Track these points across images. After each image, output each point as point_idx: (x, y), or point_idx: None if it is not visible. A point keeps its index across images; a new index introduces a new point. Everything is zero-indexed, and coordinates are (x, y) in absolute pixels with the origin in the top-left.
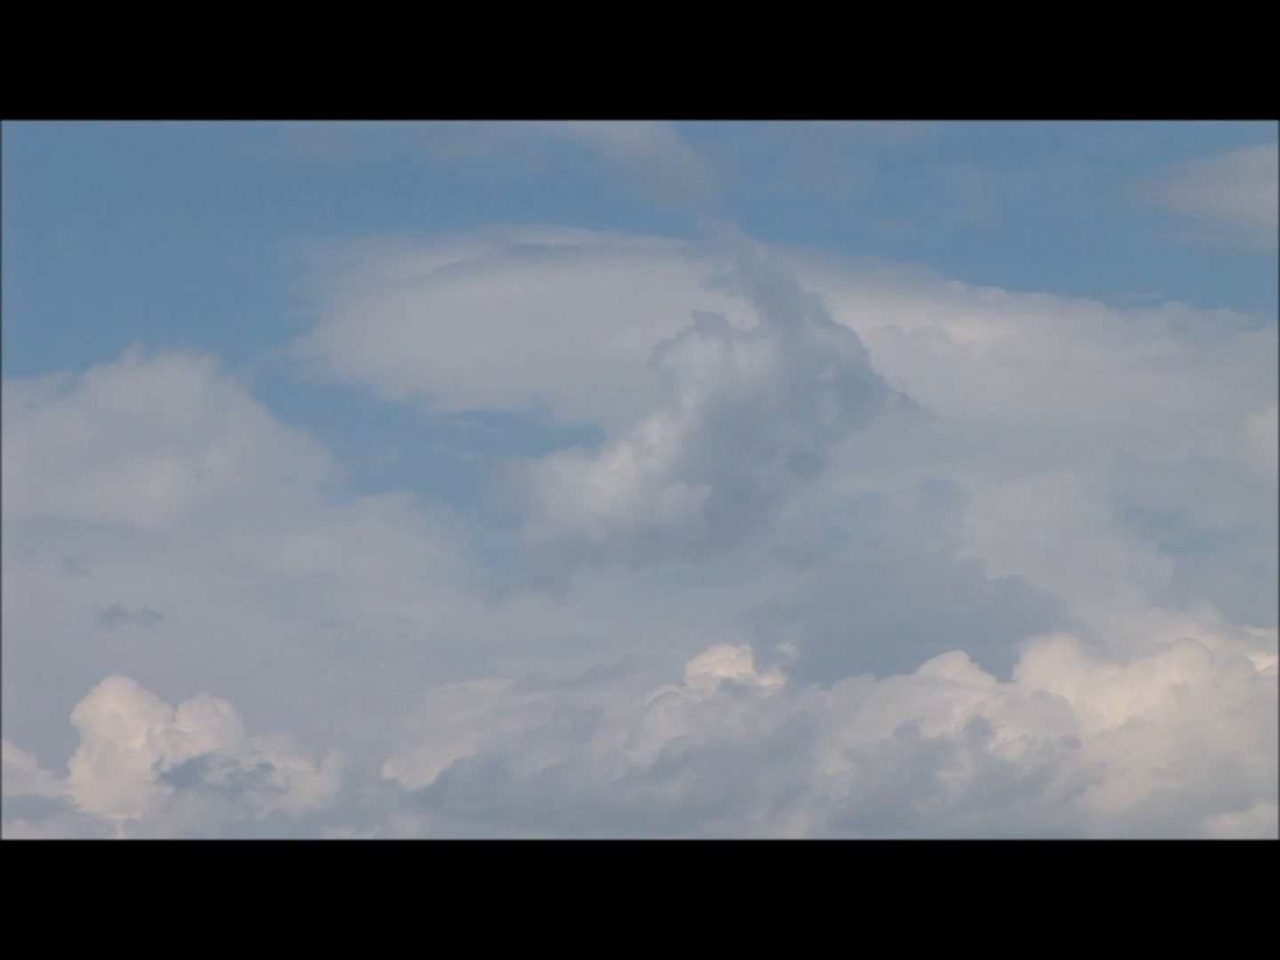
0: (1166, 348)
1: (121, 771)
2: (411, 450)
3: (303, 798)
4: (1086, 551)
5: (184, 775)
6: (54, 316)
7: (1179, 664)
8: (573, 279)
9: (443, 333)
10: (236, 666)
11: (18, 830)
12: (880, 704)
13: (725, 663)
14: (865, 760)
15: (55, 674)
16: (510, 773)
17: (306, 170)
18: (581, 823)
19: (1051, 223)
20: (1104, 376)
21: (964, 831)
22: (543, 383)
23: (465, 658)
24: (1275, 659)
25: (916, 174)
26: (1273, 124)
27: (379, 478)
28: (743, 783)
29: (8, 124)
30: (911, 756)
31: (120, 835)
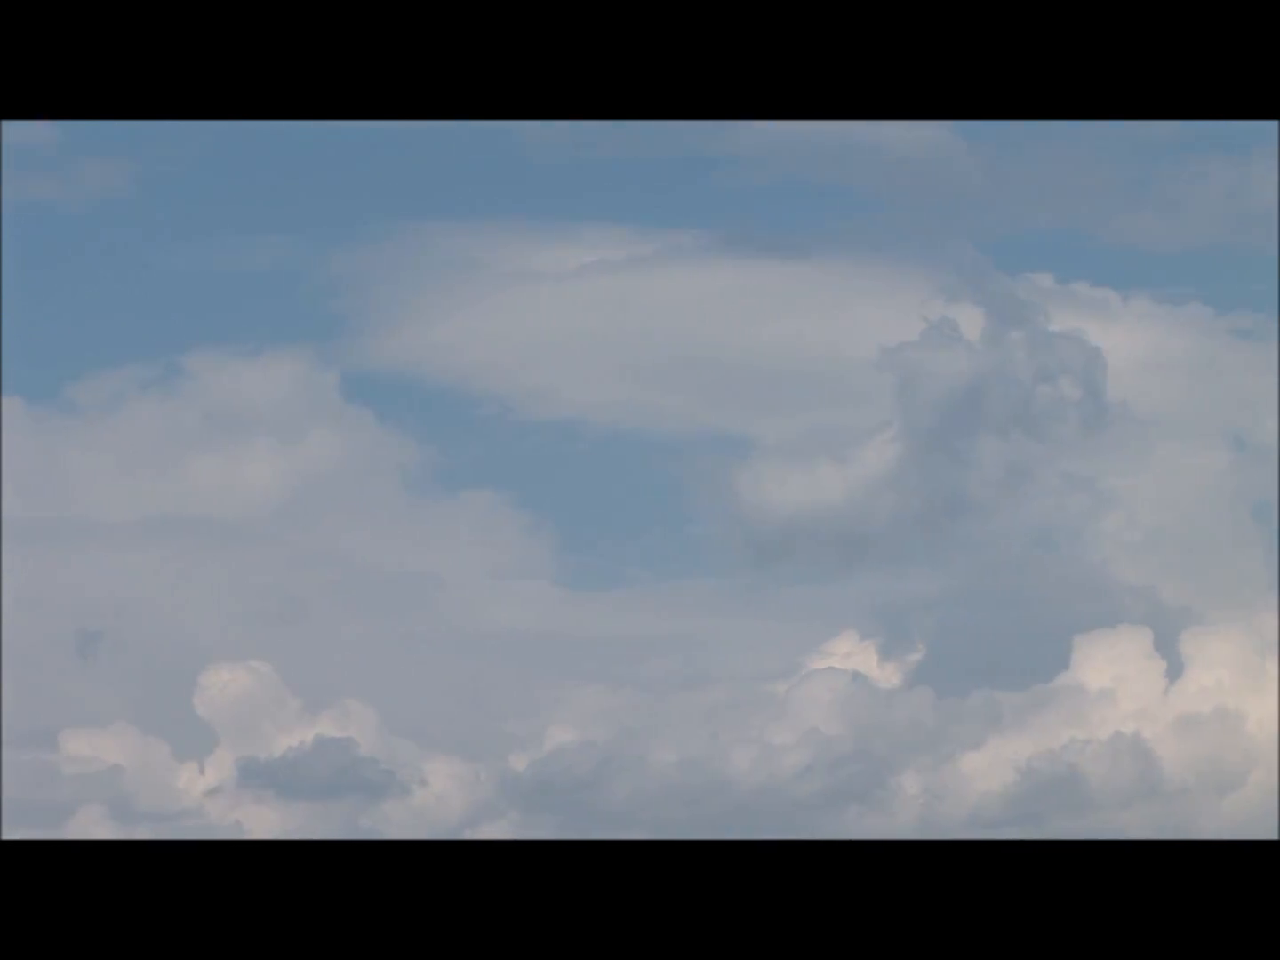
0: None
1: (246, 768)
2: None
3: (436, 799)
4: (1232, 554)
5: (312, 775)
6: (152, 305)
7: None
8: (798, 277)
9: (586, 326)
10: (355, 664)
11: (145, 834)
12: (1030, 705)
13: (863, 660)
14: (1010, 761)
15: (178, 667)
16: (642, 769)
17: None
18: (705, 819)
19: (1214, 228)
20: (1251, 379)
21: (1100, 833)
22: (741, 384)
23: (593, 654)
24: None
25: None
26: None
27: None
28: (877, 780)
29: (8, 124)
30: (1058, 756)
31: (248, 836)
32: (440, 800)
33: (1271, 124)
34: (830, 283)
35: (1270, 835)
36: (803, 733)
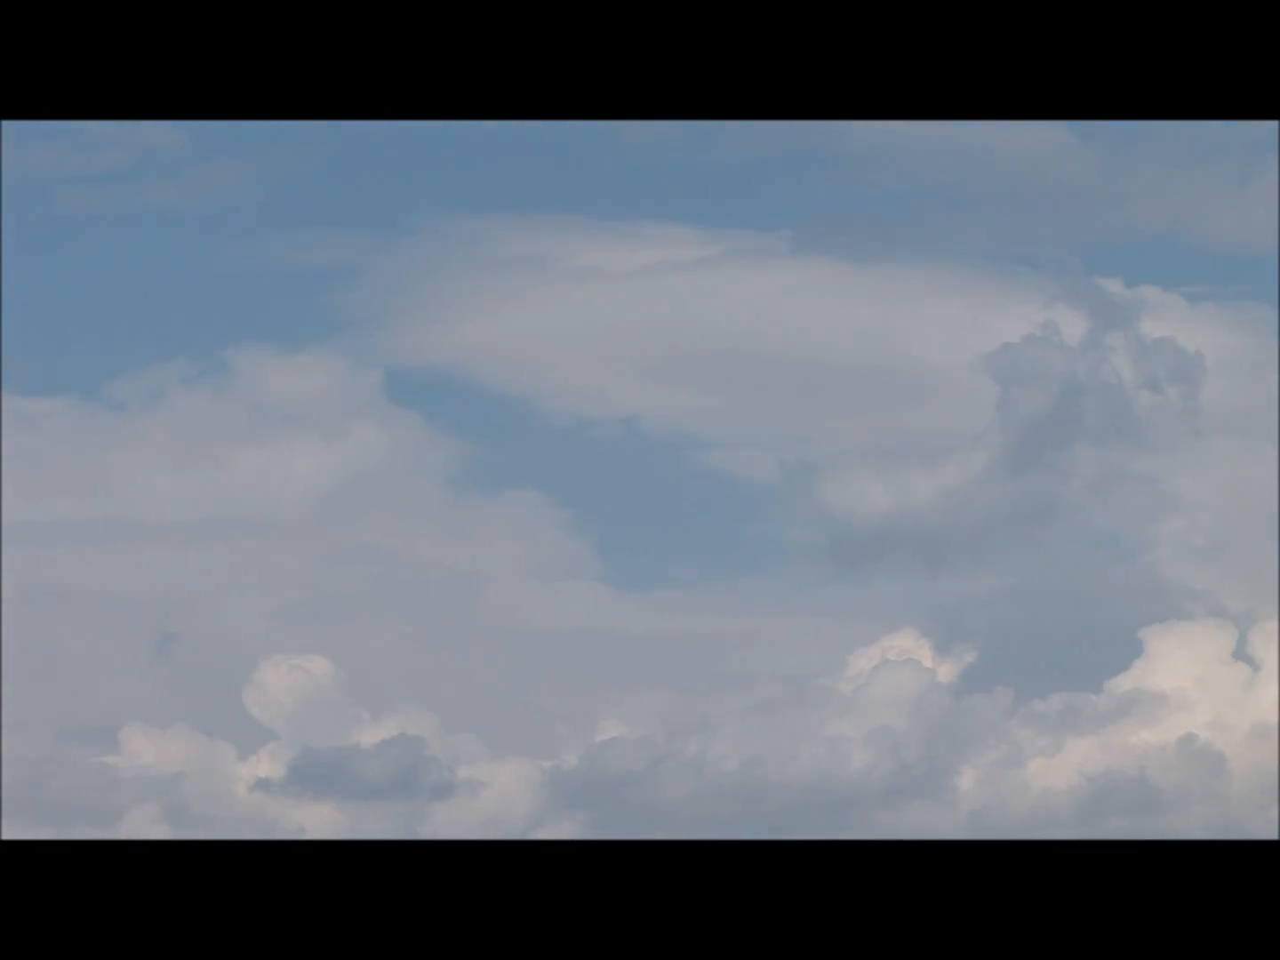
0: None
1: (301, 767)
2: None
3: (489, 798)
4: None
5: (368, 774)
6: (198, 301)
7: None
8: (892, 281)
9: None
10: (406, 662)
11: (198, 834)
12: (1097, 705)
13: (923, 658)
14: (1072, 762)
15: (232, 665)
16: (696, 767)
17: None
18: (759, 817)
19: None
20: None
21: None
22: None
23: (645, 654)
24: None
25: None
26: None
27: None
28: (936, 778)
29: (8, 124)
30: (1124, 760)
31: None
32: (495, 800)
33: (1271, 124)
34: (917, 286)
35: None
36: (858, 730)
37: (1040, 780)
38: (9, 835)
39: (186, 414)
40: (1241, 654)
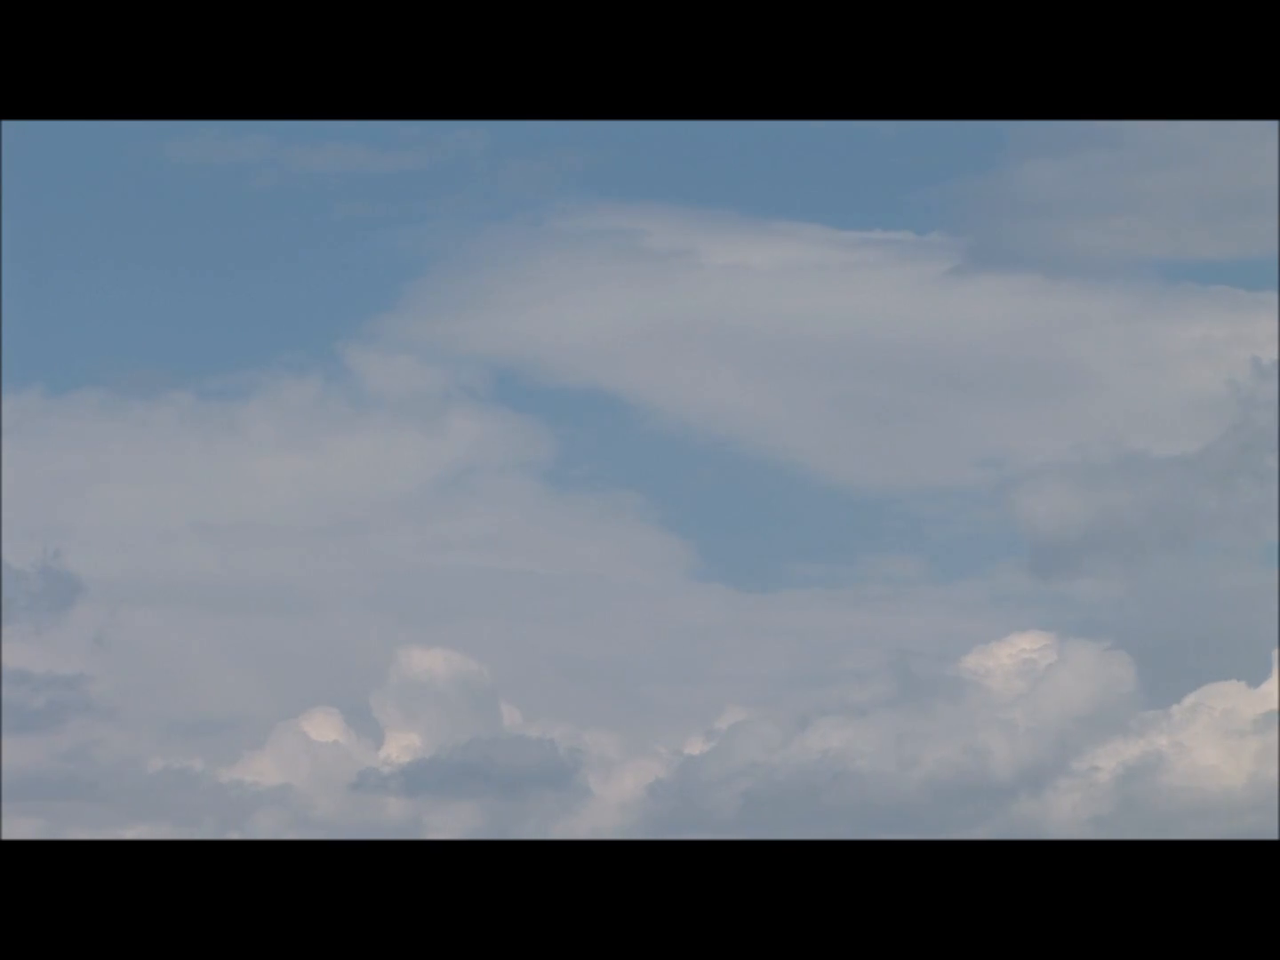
0: None
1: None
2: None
3: (611, 795)
4: None
5: (491, 770)
6: (308, 294)
7: None
8: (1079, 292)
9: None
10: (531, 660)
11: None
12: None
13: (1059, 652)
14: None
15: (352, 663)
16: (841, 764)
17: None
18: (885, 811)
19: None
20: None
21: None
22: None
23: (764, 652)
24: None
25: None
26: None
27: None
28: (1074, 774)
29: (7, 123)
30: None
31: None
32: (623, 796)
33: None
34: (1101, 298)
35: None
36: (987, 724)
37: (1189, 779)
38: (118, 834)
39: (296, 406)
40: None
